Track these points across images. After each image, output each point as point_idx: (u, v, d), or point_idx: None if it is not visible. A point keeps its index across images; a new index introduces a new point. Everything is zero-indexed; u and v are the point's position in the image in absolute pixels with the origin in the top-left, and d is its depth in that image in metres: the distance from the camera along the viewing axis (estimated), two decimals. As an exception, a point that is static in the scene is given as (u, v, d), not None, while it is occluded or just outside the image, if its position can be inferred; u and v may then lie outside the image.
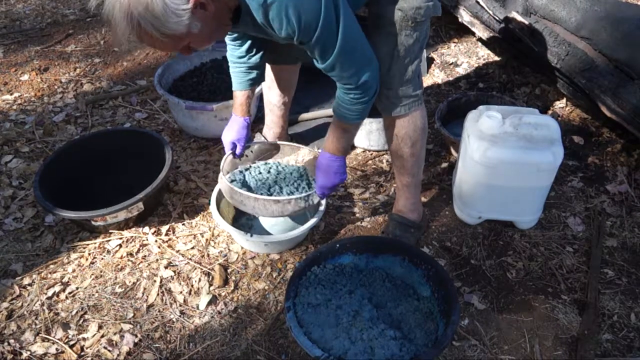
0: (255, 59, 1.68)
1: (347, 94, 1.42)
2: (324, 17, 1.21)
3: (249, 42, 1.64)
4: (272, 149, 2.17)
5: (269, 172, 1.81)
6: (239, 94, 1.74)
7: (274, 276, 1.75)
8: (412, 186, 1.77)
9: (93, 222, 1.79)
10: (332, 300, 1.50)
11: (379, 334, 1.41)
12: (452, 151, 2.22)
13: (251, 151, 2.17)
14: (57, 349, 1.53)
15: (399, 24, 1.44)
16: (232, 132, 1.76)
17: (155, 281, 1.73)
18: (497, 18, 2.50)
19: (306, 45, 1.29)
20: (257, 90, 2.19)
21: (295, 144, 1.95)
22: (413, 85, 1.54)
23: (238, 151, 1.78)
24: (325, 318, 1.45)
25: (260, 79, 1.77)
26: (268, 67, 1.93)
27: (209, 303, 1.65)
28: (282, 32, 1.24)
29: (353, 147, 2.30)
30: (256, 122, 2.38)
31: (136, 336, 1.56)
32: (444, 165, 2.19)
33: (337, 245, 1.59)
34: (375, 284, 1.57)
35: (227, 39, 1.66)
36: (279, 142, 1.97)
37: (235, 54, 1.68)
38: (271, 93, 2.04)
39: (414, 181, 1.76)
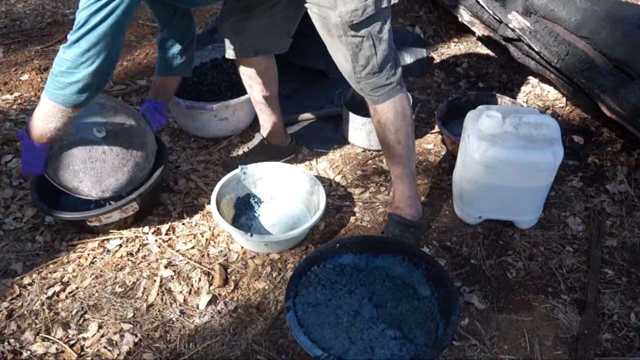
0: (179, 46, 1.83)
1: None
2: None
3: (177, 31, 1.80)
4: (272, 150, 2.17)
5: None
6: (157, 78, 1.92)
7: (274, 276, 1.75)
8: (404, 177, 1.77)
9: (88, 223, 1.79)
10: (332, 300, 1.50)
11: (379, 333, 1.41)
12: (452, 151, 2.22)
13: (252, 151, 2.18)
14: (57, 349, 1.53)
15: (342, 28, 1.47)
16: (146, 113, 1.90)
17: (155, 281, 1.73)
18: (497, 18, 2.50)
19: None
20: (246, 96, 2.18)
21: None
22: (385, 74, 1.58)
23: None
24: (325, 318, 1.45)
25: (182, 67, 1.89)
26: (248, 66, 1.90)
27: (209, 303, 1.65)
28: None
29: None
30: (256, 121, 2.38)
31: (136, 336, 1.56)
32: (444, 165, 2.19)
33: (337, 245, 1.60)
34: (376, 284, 1.57)
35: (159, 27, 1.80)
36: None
37: (161, 37, 1.81)
38: (254, 90, 1.99)
39: (406, 171, 1.76)
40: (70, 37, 1.34)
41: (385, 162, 1.91)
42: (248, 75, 1.93)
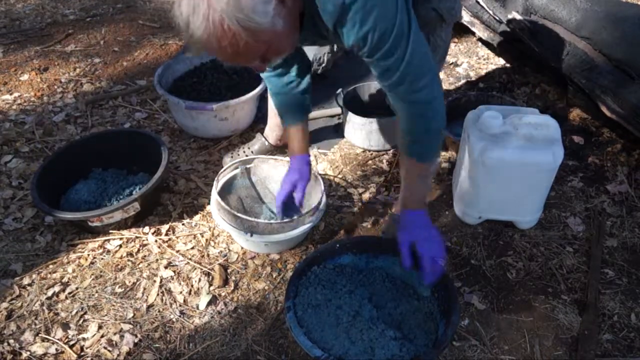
0: (307, 79, 1.53)
1: (416, 116, 1.25)
2: (399, 22, 1.08)
3: (296, 64, 1.49)
4: (273, 150, 2.17)
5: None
6: (294, 130, 1.57)
7: (274, 276, 1.75)
8: (419, 186, 1.75)
9: (90, 223, 1.79)
10: (332, 300, 1.50)
11: (379, 334, 1.41)
12: (452, 151, 2.22)
13: (252, 151, 2.18)
14: (57, 349, 1.53)
15: (432, 24, 1.41)
16: (292, 173, 1.60)
17: (155, 281, 1.73)
18: (497, 18, 2.50)
19: (370, 55, 1.14)
20: (257, 90, 2.19)
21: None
22: None
23: (297, 195, 1.58)
24: (325, 318, 1.45)
25: (311, 103, 1.61)
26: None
27: (209, 303, 1.65)
28: (351, 40, 1.11)
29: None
30: (256, 121, 2.38)
31: (136, 336, 1.56)
32: (444, 165, 2.19)
33: (337, 245, 1.59)
34: (376, 284, 1.57)
35: (267, 71, 1.52)
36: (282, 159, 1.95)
37: (283, 82, 1.52)
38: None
39: (423, 180, 1.74)
40: (407, 86, 1.19)
41: (400, 171, 1.80)
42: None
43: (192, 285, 1.71)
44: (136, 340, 1.55)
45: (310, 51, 1.75)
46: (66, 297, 1.68)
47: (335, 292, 1.52)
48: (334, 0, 1.03)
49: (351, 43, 1.12)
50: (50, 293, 1.69)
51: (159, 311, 1.64)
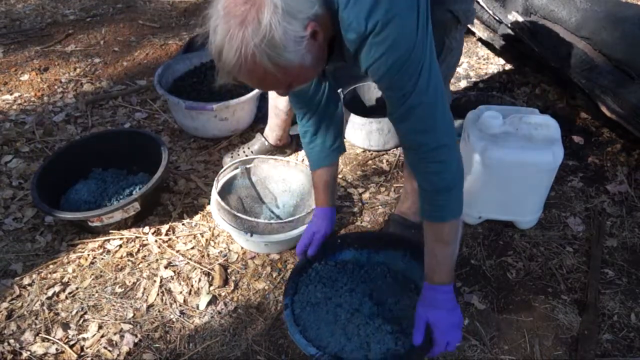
0: (337, 137, 1.46)
1: (430, 172, 1.20)
2: (416, 55, 1.05)
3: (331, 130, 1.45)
4: (273, 150, 2.17)
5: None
6: (317, 175, 1.50)
7: (274, 276, 1.75)
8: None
9: (90, 223, 1.79)
10: (332, 298, 1.50)
11: (375, 329, 1.40)
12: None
13: (252, 151, 2.18)
14: (57, 349, 1.53)
15: (448, 27, 1.40)
16: (315, 222, 1.53)
17: (155, 281, 1.73)
18: (497, 18, 2.50)
19: (383, 80, 1.11)
20: (257, 90, 2.19)
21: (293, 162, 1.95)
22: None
23: (310, 250, 1.49)
24: (323, 316, 1.45)
25: (343, 143, 1.52)
26: None
27: (209, 303, 1.65)
28: (365, 65, 1.09)
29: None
30: (256, 121, 2.38)
31: (136, 336, 1.56)
32: (444, 165, 2.19)
33: (339, 241, 1.59)
34: (377, 280, 1.57)
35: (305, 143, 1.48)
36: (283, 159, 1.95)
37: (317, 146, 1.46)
38: (279, 99, 1.99)
39: None
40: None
41: (403, 175, 1.74)
42: None
43: (192, 285, 1.72)
44: (136, 340, 1.55)
45: None
46: (66, 297, 1.68)
47: (335, 290, 1.52)
48: (357, 28, 1.03)
49: (366, 68, 1.10)
50: (50, 293, 1.69)
51: (159, 311, 1.64)
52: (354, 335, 1.39)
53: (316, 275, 1.54)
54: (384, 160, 2.23)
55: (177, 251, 1.83)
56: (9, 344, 1.54)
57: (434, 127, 1.14)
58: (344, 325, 1.42)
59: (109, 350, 1.52)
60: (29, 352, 1.52)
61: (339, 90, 2.30)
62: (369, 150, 2.27)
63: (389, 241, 1.61)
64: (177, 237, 1.89)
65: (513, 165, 1.68)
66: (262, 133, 2.20)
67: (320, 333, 1.39)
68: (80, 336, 1.57)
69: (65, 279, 1.74)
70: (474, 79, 2.74)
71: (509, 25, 2.39)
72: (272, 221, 1.69)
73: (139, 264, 1.79)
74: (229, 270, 1.77)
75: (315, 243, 1.49)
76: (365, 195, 2.06)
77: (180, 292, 1.69)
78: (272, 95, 2.04)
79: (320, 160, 1.49)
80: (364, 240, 1.61)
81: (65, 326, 1.59)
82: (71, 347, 1.54)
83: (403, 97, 1.10)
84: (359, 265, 1.59)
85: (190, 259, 1.80)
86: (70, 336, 1.57)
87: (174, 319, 1.62)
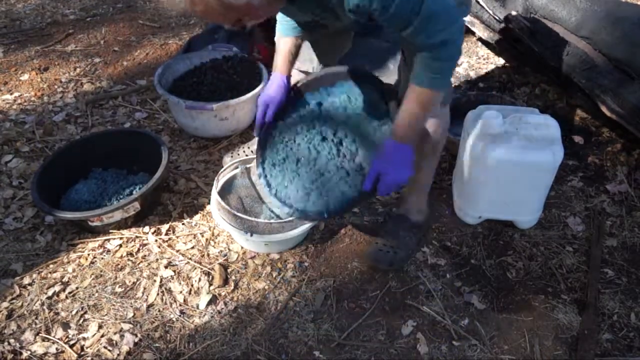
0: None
1: (432, 56, 1.27)
2: None
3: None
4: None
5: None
6: (283, 42, 1.54)
7: (274, 276, 1.75)
8: (421, 190, 1.78)
9: (90, 223, 1.79)
10: (294, 151, 1.60)
11: (334, 173, 1.55)
12: (452, 151, 2.22)
13: (252, 151, 2.17)
14: (57, 349, 1.53)
15: None
16: (267, 92, 1.57)
17: (155, 281, 1.73)
18: (497, 18, 2.50)
19: (382, 18, 1.14)
20: (257, 90, 2.19)
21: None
22: None
23: (268, 115, 1.56)
24: (288, 174, 1.61)
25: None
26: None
27: (209, 303, 1.65)
28: (351, 2, 1.10)
29: None
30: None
31: (136, 336, 1.56)
32: (444, 165, 2.19)
33: (292, 93, 1.62)
34: (337, 117, 1.60)
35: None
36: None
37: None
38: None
39: (424, 187, 1.78)
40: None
41: None
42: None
43: (192, 285, 1.72)
44: (136, 340, 1.55)
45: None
46: (66, 297, 1.68)
47: (298, 143, 1.62)
48: None
49: (352, 6, 1.11)
50: (50, 293, 1.69)
51: (159, 311, 1.64)
52: (314, 190, 1.57)
53: (280, 135, 1.63)
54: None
55: (177, 251, 1.83)
56: (9, 343, 1.54)
57: (445, 32, 1.22)
58: (308, 178, 1.58)
59: (109, 350, 1.53)
60: (29, 352, 1.52)
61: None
62: (369, 150, 2.27)
63: (338, 76, 1.63)
64: (177, 237, 1.89)
65: (513, 165, 1.68)
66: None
67: (289, 191, 1.60)
68: (81, 336, 1.57)
69: (66, 279, 1.74)
70: (474, 79, 2.74)
71: (509, 25, 2.39)
72: (272, 221, 1.69)
73: (139, 263, 1.79)
74: (229, 270, 1.77)
75: (270, 112, 1.57)
76: (365, 195, 2.06)
77: (180, 292, 1.69)
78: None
79: (289, 30, 1.53)
80: (318, 83, 1.63)
81: (66, 326, 1.59)
82: (71, 346, 1.54)
83: (406, 20, 1.15)
84: (316, 111, 1.63)
85: (190, 258, 1.80)
86: (70, 336, 1.57)
87: (174, 319, 1.62)
